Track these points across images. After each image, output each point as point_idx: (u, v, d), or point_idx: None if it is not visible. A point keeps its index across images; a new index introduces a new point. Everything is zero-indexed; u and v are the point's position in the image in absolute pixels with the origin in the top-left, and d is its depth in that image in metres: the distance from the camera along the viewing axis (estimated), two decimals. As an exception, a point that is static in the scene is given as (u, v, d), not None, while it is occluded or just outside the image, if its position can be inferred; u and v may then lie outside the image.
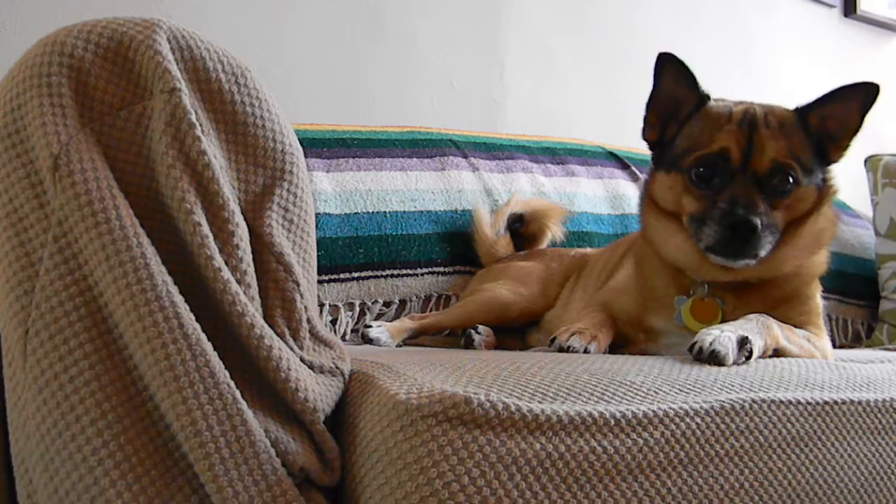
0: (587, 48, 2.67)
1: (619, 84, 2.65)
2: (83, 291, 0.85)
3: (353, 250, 1.78)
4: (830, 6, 3.21)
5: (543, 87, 2.57)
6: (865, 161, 2.51)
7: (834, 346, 2.17)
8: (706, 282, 1.31)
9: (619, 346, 1.37)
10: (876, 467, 1.07)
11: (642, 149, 1.48)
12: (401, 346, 1.64)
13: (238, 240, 0.91)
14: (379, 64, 2.29)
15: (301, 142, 1.07)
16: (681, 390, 0.96)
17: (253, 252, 0.94)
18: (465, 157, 2.08)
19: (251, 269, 0.93)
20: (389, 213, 1.86)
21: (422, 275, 1.87)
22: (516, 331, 1.80)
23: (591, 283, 1.69)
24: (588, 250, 1.91)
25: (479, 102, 2.47)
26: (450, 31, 2.42)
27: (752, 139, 1.26)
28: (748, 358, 1.12)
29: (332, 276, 1.75)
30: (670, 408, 0.92)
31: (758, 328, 1.18)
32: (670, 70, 1.37)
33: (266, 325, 0.90)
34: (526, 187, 2.12)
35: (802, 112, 1.32)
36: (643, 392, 0.94)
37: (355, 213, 1.81)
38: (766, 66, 3.05)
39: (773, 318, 1.25)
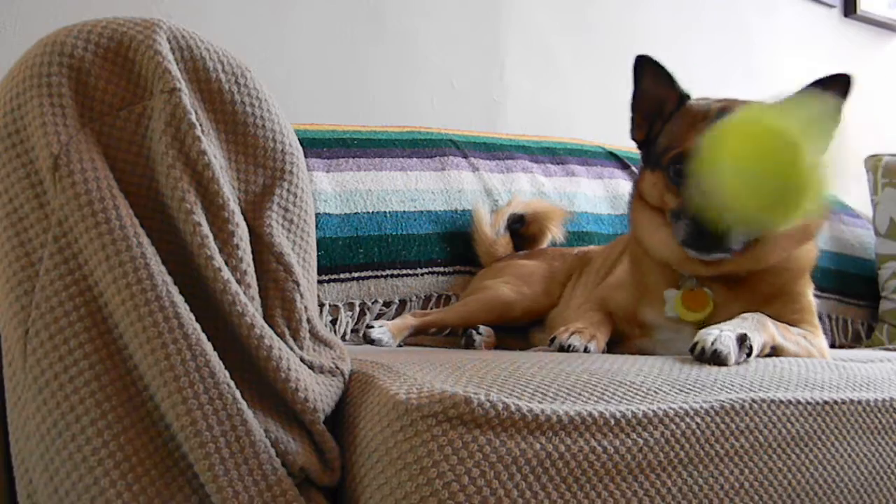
0: (587, 48, 2.67)
1: (620, 84, 2.64)
2: (83, 291, 0.85)
3: (353, 250, 1.78)
4: (830, 6, 3.21)
5: (543, 87, 2.57)
6: (865, 161, 2.51)
7: (834, 346, 2.19)
8: (692, 275, 1.34)
9: (615, 342, 1.39)
10: (876, 467, 1.07)
11: (642, 149, 1.49)
12: (401, 344, 1.64)
13: (238, 240, 0.91)
14: (379, 64, 2.29)
15: (301, 142, 1.07)
16: (681, 390, 0.96)
17: (253, 252, 0.94)
18: (465, 157, 2.08)
19: (251, 269, 0.93)
20: (389, 213, 1.86)
21: (422, 275, 1.87)
22: (517, 330, 1.80)
23: (592, 280, 1.70)
24: (590, 248, 1.91)
25: (479, 102, 2.47)
26: (450, 31, 2.42)
27: None
28: (748, 356, 1.12)
29: (332, 276, 1.75)
30: (670, 408, 0.92)
31: (755, 326, 1.19)
32: (648, 71, 1.40)
33: (266, 325, 0.90)
34: (526, 187, 2.12)
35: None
36: (643, 392, 0.94)
37: (355, 213, 1.81)
38: (765, 66, 3.05)
39: (767, 315, 1.26)
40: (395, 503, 0.80)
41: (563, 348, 1.23)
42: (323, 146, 1.87)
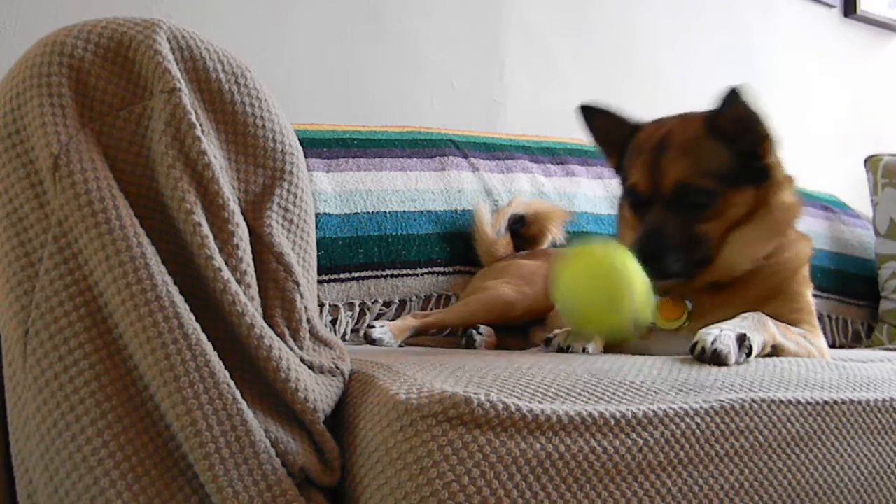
0: (587, 48, 2.67)
1: (620, 84, 2.65)
2: (83, 291, 0.85)
3: (353, 250, 1.78)
4: (830, 6, 3.20)
5: (543, 87, 2.57)
6: (865, 161, 2.52)
7: (834, 347, 2.19)
8: (663, 290, 1.35)
9: (615, 343, 1.39)
10: (876, 467, 1.07)
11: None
12: (402, 345, 1.64)
13: (238, 240, 0.91)
14: (379, 64, 2.29)
15: (301, 142, 1.07)
16: (681, 390, 0.96)
17: (253, 252, 0.94)
18: (465, 157, 2.08)
19: (251, 269, 0.93)
20: (389, 213, 1.86)
21: (422, 275, 1.87)
22: (518, 330, 1.79)
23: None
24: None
25: (479, 102, 2.46)
26: (450, 31, 2.42)
27: (660, 164, 1.33)
28: (748, 355, 1.12)
29: (332, 276, 1.75)
30: (670, 408, 0.92)
31: (754, 325, 1.19)
32: (594, 115, 1.49)
33: (266, 325, 0.90)
34: (526, 187, 2.12)
35: (711, 120, 1.33)
36: (643, 392, 0.94)
37: (355, 213, 1.81)
38: (765, 66, 3.05)
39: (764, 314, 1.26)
40: (394, 503, 0.80)
41: (563, 350, 1.23)
42: (323, 146, 1.87)
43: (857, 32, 3.30)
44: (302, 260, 1.00)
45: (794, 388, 1.04)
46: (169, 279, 0.86)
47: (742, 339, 1.12)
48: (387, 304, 1.82)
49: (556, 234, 2.05)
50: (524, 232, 2.04)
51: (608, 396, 0.91)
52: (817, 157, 3.02)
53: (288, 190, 1.00)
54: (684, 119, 1.38)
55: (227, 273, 0.88)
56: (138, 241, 0.85)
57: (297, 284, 0.96)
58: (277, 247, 0.96)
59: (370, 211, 1.83)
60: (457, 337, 1.77)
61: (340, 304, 1.76)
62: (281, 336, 0.93)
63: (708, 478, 0.92)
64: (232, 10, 2.09)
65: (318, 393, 0.92)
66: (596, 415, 0.87)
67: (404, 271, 1.84)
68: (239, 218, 0.92)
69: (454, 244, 1.94)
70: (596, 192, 2.24)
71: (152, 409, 0.84)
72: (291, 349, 0.93)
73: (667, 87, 2.66)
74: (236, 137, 0.96)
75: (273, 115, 1.00)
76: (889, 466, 1.08)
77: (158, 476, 0.83)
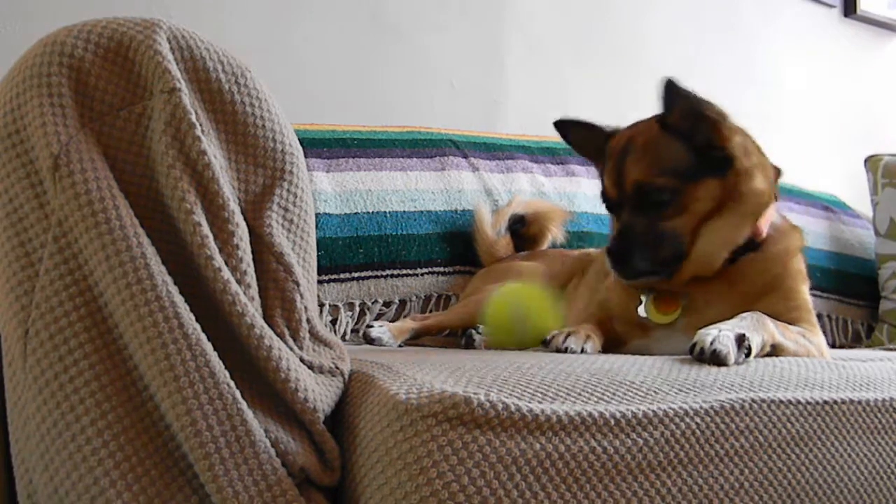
0: (587, 48, 2.67)
1: (620, 84, 2.65)
2: (83, 291, 0.85)
3: (353, 250, 1.78)
4: (830, 6, 3.21)
5: (543, 87, 2.57)
6: (865, 161, 2.52)
7: (834, 346, 2.19)
8: (648, 287, 1.39)
9: (616, 344, 1.39)
10: (876, 467, 1.07)
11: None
12: (402, 345, 1.64)
13: (238, 240, 0.91)
14: (379, 64, 2.29)
15: (301, 142, 1.07)
16: (681, 390, 0.96)
17: (253, 252, 0.94)
18: (465, 157, 2.08)
19: (251, 269, 0.93)
20: (389, 213, 1.86)
21: (422, 275, 1.87)
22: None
23: (594, 282, 1.70)
24: (591, 250, 1.91)
25: (479, 102, 2.46)
26: (450, 31, 2.42)
27: (623, 167, 1.37)
28: (747, 356, 1.12)
29: (332, 276, 1.75)
30: (670, 408, 0.92)
31: (753, 325, 1.19)
32: (569, 128, 1.56)
33: (266, 325, 0.90)
34: (526, 187, 2.12)
35: (663, 119, 1.36)
36: (643, 392, 0.94)
37: (355, 213, 1.81)
38: (765, 67, 3.05)
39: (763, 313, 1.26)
40: (394, 503, 0.80)
41: (560, 351, 1.23)
42: (323, 146, 1.87)
43: (857, 32, 3.30)
44: (302, 260, 1.00)
45: (794, 388, 1.04)
46: (169, 279, 0.86)
47: (741, 339, 1.12)
48: (387, 305, 1.83)
49: (556, 233, 2.05)
50: (524, 232, 2.04)
51: (608, 396, 0.91)
52: (817, 157, 3.02)
53: (288, 190, 1.00)
54: (647, 122, 1.40)
55: (227, 273, 0.88)
56: (138, 241, 0.85)
57: (297, 284, 0.96)
58: (277, 247, 0.96)
59: (370, 211, 1.83)
60: (457, 337, 1.77)
61: (340, 304, 1.76)
62: (281, 336, 0.93)
63: (708, 478, 0.92)
64: (232, 10, 2.09)
65: (318, 393, 0.92)
66: (596, 415, 0.87)
67: (404, 271, 1.84)
68: (239, 218, 0.92)
69: (454, 244, 1.94)
70: (596, 191, 2.23)
71: (152, 409, 0.84)
72: (291, 349, 0.93)
73: (666, 87, 2.66)
74: (236, 137, 0.96)
75: (273, 115, 1.00)
76: (889, 466, 1.08)
77: (158, 476, 0.83)
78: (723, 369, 1.05)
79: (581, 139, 1.55)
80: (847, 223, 2.55)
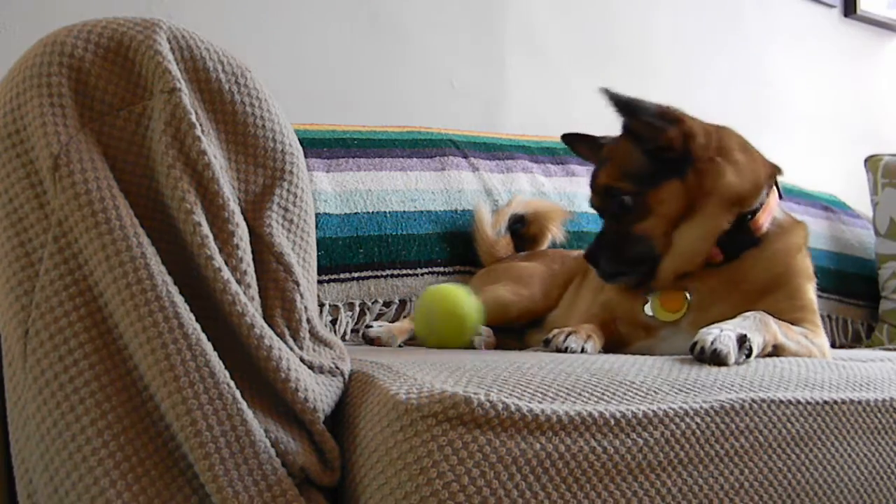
0: (587, 48, 2.67)
1: (620, 85, 2.65)
2: (83, 291, 0.85)
3: (353, 250, 1.78)
4: (830, 6, 3.20)
5: (543, 87, 2.57)
6: (865, 161, 2.52)
7: (834, 346, 2.19)
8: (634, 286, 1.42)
9: (618, 344, 1.39)
10: (876, 467, 1.07)
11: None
12: (402, 345, 1.64)
13: (238, 240, 0.91)
14: (379, 64, 2.29)
15: (301, 142, 1.07)
16: (681, 390, 0.96)
17: (253, 252, 0.94)
18: (465, 157, 2.08)
19: (251, 269, 0.93)
20: (389, 213, 1.86)
21: (422, 275, 1.87)
22: (516, 331, 1.80)
23: (594, 282, 1.70)
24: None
25: (479, 102, 2.46)
26: (450, 31, 2.42)
27: (597, 175, 1.45)
28: (748, 356, 1.12)
29: (332, 276, 1.75)
30: (670, 408, 0.92)
31: (755, 325, 1.19)
32: (575, 141, 1.64)
33: (266, 325, 0.90)
34: (526, 187, 2.12)
35: (625, 126, 1.42)
36: (643, 392, 0.94)
37: (355, 213, 1.81)
38: (765, 67, 3.05)
39: (766, 312, 1.25)
40: (394, 503, 0.80)
41: (561, 350, 1.23)
42: (323, 146, 1.87)
43: (857, 32, 3.30)
44: (302, 260, 1.00)
45: (794, 388, 1.04)
46: (169, 279, 0.86)
47: (742, 340, 1.12)
48: (387, 304, 1.83)
49: (556, 233, 2.05)
50: (524, 232, 2.04)
51: (608, 396, 0.91)
52: (817, 157, 3.02)
53: (288, 190, 1.00)
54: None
55: (227, 273, 0.88)
56: (138, 241, 0.85)
57: (297, 284, 0.96)
58: (277, 247, 0.96)
59: (370, 211, 1.83)
60: (456, 337, 1.77)
61: (340, 304, 1.76)
62: (281, 336, 0.93)
63: (708, 478, 0.92)
64: (232, 9, 2.09)
65: (318, 393, 0.92)
66: (596, 415, 0.87)
67: (404, 271, 1.84)
68: (239, 218, 0.92)
69: (454, 244, 1.94)
70: (596, 192, 2.24)
71: (152, 409, 0.84)
72: (291, 349, 0.93)
73: (666, 88, 2.66)
74: (236, 137, 0.96)
75: (273, 115, 1.00)
76: (889, 466, 1.08)
77: (158, 476, 0.83)
78: (723, 369, 1.05)
79: (585, 150, 1.63)
80: (847, 223, 2.55)
